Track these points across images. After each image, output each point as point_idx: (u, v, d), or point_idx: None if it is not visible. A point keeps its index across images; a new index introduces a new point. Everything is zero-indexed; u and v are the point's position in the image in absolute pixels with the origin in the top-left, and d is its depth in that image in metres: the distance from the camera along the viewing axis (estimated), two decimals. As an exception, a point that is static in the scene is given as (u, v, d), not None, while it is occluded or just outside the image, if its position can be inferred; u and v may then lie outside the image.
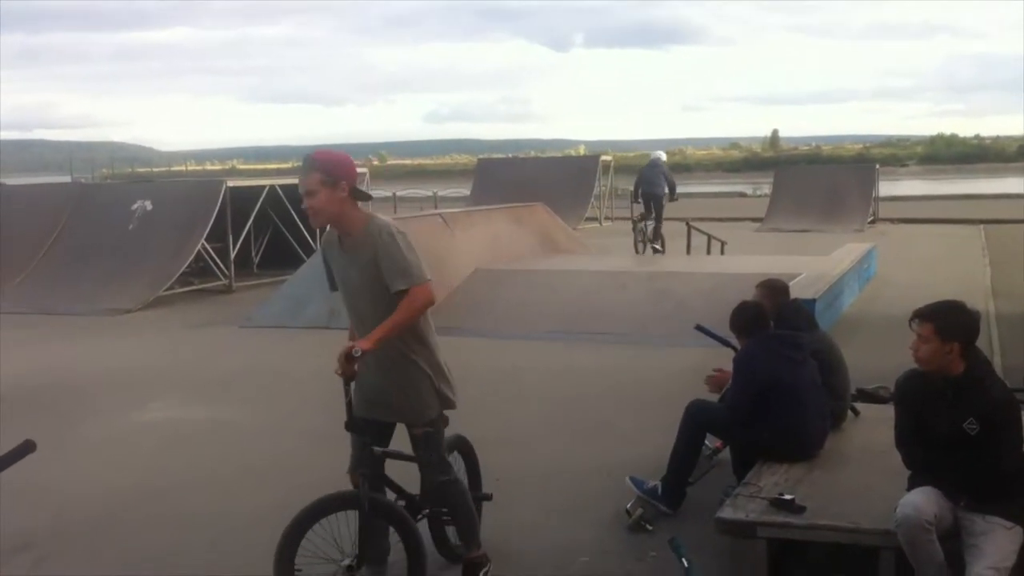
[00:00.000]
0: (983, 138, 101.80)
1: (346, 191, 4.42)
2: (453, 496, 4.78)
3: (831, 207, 26.29)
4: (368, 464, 4.52)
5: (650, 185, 19.11)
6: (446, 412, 4.81)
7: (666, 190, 19.08)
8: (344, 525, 4.46)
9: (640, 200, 19.14)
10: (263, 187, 17.96)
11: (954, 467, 4.33)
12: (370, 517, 4.39)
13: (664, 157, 20.41)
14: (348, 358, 4.24)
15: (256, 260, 19.29)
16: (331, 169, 4.43)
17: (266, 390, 9.15)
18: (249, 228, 17.93)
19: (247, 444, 7.60)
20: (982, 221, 25.64)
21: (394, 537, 4.62)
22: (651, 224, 18.75)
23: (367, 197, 4.63)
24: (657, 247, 18.65)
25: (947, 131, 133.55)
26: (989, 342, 10.30)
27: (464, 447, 5.49)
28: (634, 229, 18.57)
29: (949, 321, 4.39)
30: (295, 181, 5.01)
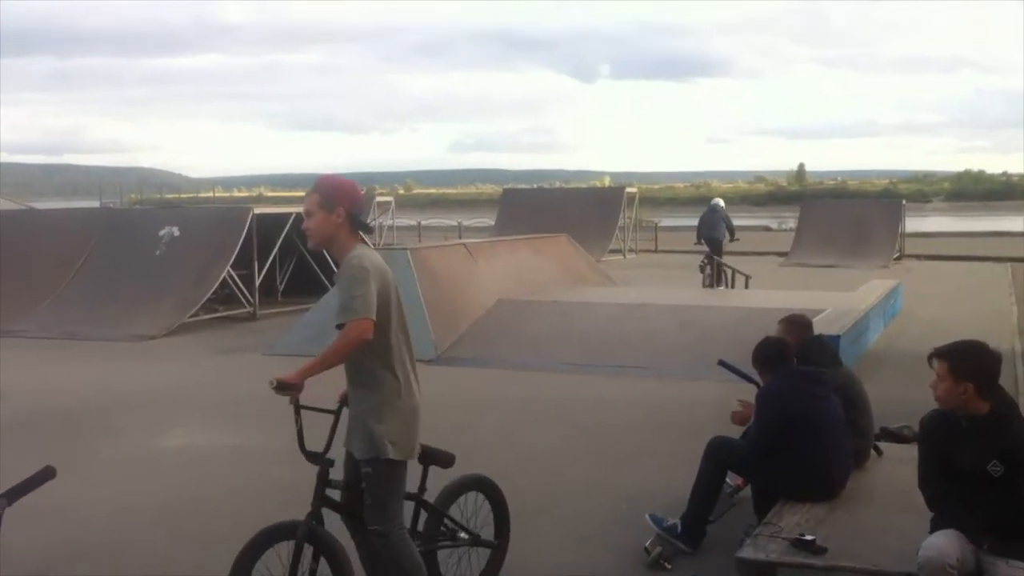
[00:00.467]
0: (1011, 175, 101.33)
1: (342, 217, 4.41)
2: (383, 549, 4.42)
3: (857, 242, 26.23)
4: (319, 494, 4.49)
5: (711, 229, 20.35)
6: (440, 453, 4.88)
7: (725, 233, 20.37)
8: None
9: (702, 242, 20.40)
10: (289, 214, 18.06)
11: (978, 509, 4.28)
12: (300, 547, 4.35)
13: (723, 203, 21.98)
14: (276, 388, 4.26)
15: (281, 288, 19.40)
16: (330, 193, 4.46)
17: (287, 417, 9.11)
18: (275, 256, 18.04)
19: (268, 469, 7.60)
20: (1009, 259, 25.47)
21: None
22: (715, 263, 19.41)
23: (368, 229, 4.59)
24: (722, 287, 19.02)
25: (974, 167, 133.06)
26: (1015, 381, 10.20)
27: (489, 490, 5.31)
28: (702, 271, 19.34)
29: (964, 361, 4.36)
30: None
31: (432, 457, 4.84)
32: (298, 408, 4.47)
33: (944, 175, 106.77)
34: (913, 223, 33.66)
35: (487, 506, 5.29)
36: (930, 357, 4.47)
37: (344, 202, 4.44)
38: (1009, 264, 24.55)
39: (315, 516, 4.45)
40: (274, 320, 16.29)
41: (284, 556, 4.38)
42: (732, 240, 20.75)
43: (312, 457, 4.52)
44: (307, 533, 4.38)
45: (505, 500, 5.34)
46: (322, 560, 4.41)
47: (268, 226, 17.46)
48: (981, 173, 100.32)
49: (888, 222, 27.43)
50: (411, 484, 4.65)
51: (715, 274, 19.06)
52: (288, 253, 19.10)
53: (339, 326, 4.29)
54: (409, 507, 4.73)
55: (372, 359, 4.37)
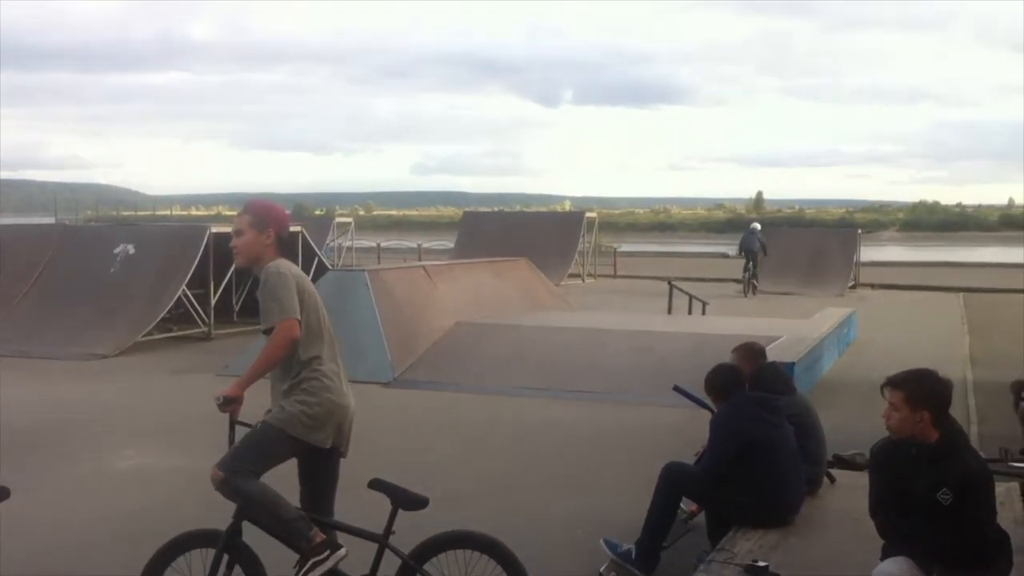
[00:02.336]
0: (965, 206, 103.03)
1: (271, 238, 4.73)
2: (219, 488, 4.56)
3: (813, 270, 26.51)
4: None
5: (749, 244, 26.26)
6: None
7: (760, 248, 26.11)
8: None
9: (743, 255, 26.65)
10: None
11: (927, 537, 4.31)
12: (220, 555, 4.50)
13: (759, 227, 27.99)
14: (221, 405, 4.53)
15: (237, 308, 19.21)
16: (262, 215, 4.77)
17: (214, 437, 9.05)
18: (231, 275, 17.89)
19: (203, 488, 7.49)
20: (962, 289, 25.85)
21: None
22: (751, 274, 25.75)
23: (285, 251, 4.83)
24: (755, 283, 25.66)
25: (931, 198, 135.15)
26: (967, 410, 10.33)
27: (493, 551, 4.59)
28: (743, 280, 25.71)
29: (919, 389, 4.40)
30: None
31: (400, 496, 4.53)
32: (233, 423, 4.63)
33: (901, 205, 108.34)
34: (868, 252, 34.09)
35: (488, 568, 4.57)
36: (883, 386, 4.51)
37: (274, 224, 4.77)
38: (961, 294, 24.91)
39: (235, 527, 4.56)
40: (229, 340, 16.14)
41: (194, 564, 4.53)
42: (765, 255, 26.19)
43: None
44: (227, 542, 4.50)
45: (520, 565, 4.55)
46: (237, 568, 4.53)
47: (225, 245, 17.21)
48: (936, 204, 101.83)
49: (844, 251, 27.74)
50: (377, 525, 4.54)
51: (747, 282, 25.43)
52: (245, 273, 18.87)
53: (266, 332, 4.59)
54: (371, 551, 4.54)
55: (298, 360, 4.58)
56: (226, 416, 4.62)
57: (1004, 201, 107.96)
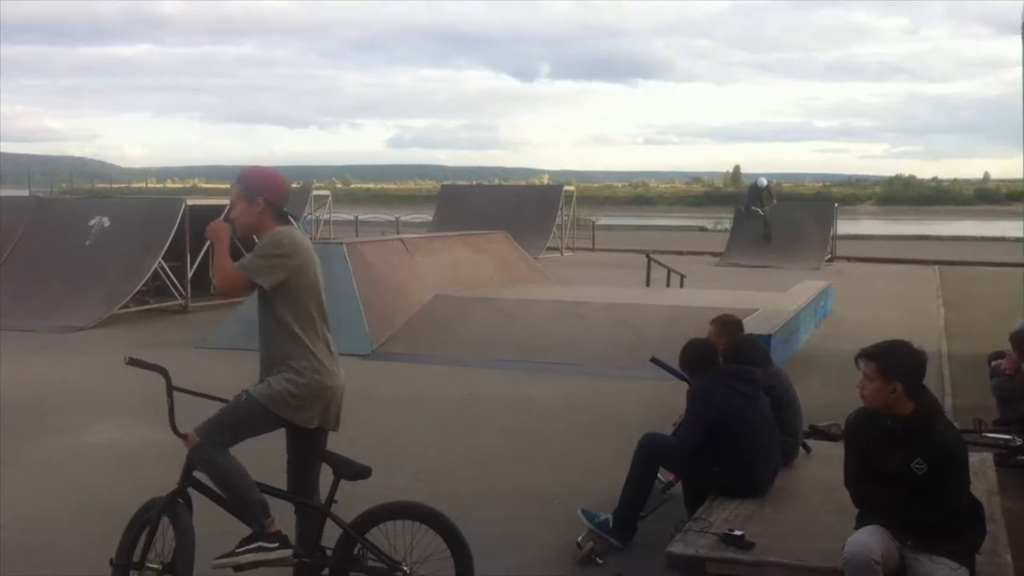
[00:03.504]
0: (941, 180, 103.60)
1: (261, 206, 4.66)
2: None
3: (790, 244, 26.57)
4: (185, 474, 4.69)
5: (751, 198, 28.23)
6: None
7: (767, 193, 28.32)
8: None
9: (747, 210, 28.08)
10: (223, 206, 17.74)
11: (901, 506, 4.36)
12: (156, 522, 4.59)
13: (766, 182, 29.23)
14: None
15: (213, 280, 19.13)
16: (249, 184, 4.73)
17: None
18: (208, 248, 17.78)
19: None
20: (937, 262, 26.03)
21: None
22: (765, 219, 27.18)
23: (285, 218, 4.75)
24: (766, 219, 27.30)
25: (905, 172, 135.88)
26: (941, 382, 10.43)
27: (434, 522, 4.59)
28: (763, 223, 27.20)
29: (892, 361, 4.44)
30: None
31: (342, 467, 4.61)
32: (170, 389, 4.66)
33: (876, 179, 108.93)
34: (845, 226, 34.23)
35: (435, 542, 4.58)
36: (857, 358, 4.54)
37: (263, 191, 4.69)
38: (937, 267, 25.07)
39: (180, 494, 4.64)
40: (206, 313, 16.05)
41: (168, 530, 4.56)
42: (773, 200, 28.46)
43: (180, 435, 4.64)
44: (164, 509, 4.57)
45: (460, 534, 4.58)
46: None
47: (201, 218, 17.08)
48: (911, 178, 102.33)
49: (821, 225, 27.80)
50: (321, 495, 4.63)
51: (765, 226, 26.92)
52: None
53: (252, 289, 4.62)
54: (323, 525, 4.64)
55: (286, 335, 4.53)
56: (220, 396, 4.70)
57: (978, 175, 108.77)
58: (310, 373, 4.53)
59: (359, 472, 4.60)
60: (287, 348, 4.54)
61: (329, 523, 4.64)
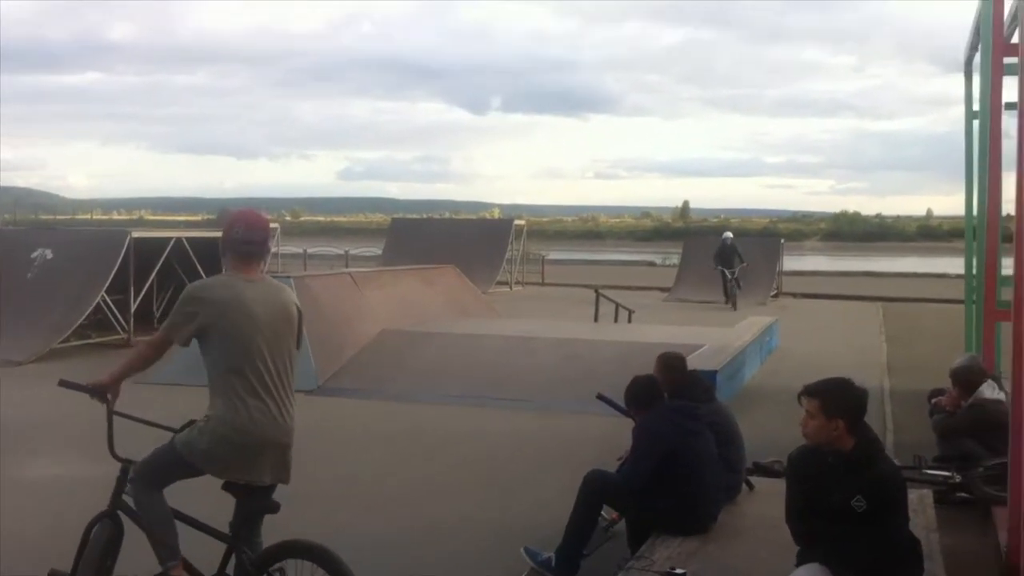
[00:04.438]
0: (885, 217, 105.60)
1: (226, 258, 4.72)
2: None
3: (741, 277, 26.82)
4: (115, 495, 4.78)
5: (726, 255, 25.34)
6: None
7: (737, 258, 25.33)
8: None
9: (719, 268, 25.30)
10: (169, 239, 17.66)
11: (842, 543, 4.39)
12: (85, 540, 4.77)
13: (732, 235, 27.09)
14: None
15: (157, 314, 18.87)
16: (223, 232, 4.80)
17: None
18: (152, 281, 17.58)
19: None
20: (881, 299, 26.43)
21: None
22: (733, 285, 24.84)
23: (242, 258, 4.66)
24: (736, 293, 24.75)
25: (851, 208, 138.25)
26: (883, 418, 10.55)
27: (328, 563, 4.40)
28: (727, 291, 24.76)
29: (835, 398, 4.49)
30: (203, 234, 5.22)
31: (250, 497, 4.56)
32: (110, 414, 4.73)
33: (822, 215, 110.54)
34: (791, 262, 34.68)
35: None
36: (800, 395, 4.59)
37: (222, 237, 4.74)
38: (880, 304, 25.46)
39: (109, 515, 4.73)
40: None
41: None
42: (743, 263, 25.31)
43: (119, 459, 4.72)
44: (89, 528, 4.74)
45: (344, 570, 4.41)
46: None
47: (146, 250, 17.01)
48: (856, 215, 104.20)
49: (767, 260, 28.14)
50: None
51: (731, 294, 24.54)
52: (167, 279, 18.60)
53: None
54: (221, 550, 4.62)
55: (210, 382, 4.52)
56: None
57: (922, 212, 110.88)
58: (224, 426, 4.42)
59: (264, 506, 4.61)
60: (210, 395, 4.51)
61: None
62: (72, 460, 8.88)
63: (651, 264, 46.14)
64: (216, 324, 4.43)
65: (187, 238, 17.69)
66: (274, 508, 4.56)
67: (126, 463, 4.70)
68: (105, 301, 16.13)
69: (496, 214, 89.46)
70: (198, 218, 75.21)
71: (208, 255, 16.44)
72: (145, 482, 4.56)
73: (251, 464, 4.48)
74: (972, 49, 11.75)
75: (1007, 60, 9.11)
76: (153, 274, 17.40)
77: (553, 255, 41.22)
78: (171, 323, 4.55)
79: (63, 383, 4.74)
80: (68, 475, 8.41)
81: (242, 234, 4.62)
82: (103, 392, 4.70)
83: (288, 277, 14.57)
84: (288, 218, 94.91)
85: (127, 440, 4.73)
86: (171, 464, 4.56)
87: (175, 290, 18.89)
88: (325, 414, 10.62)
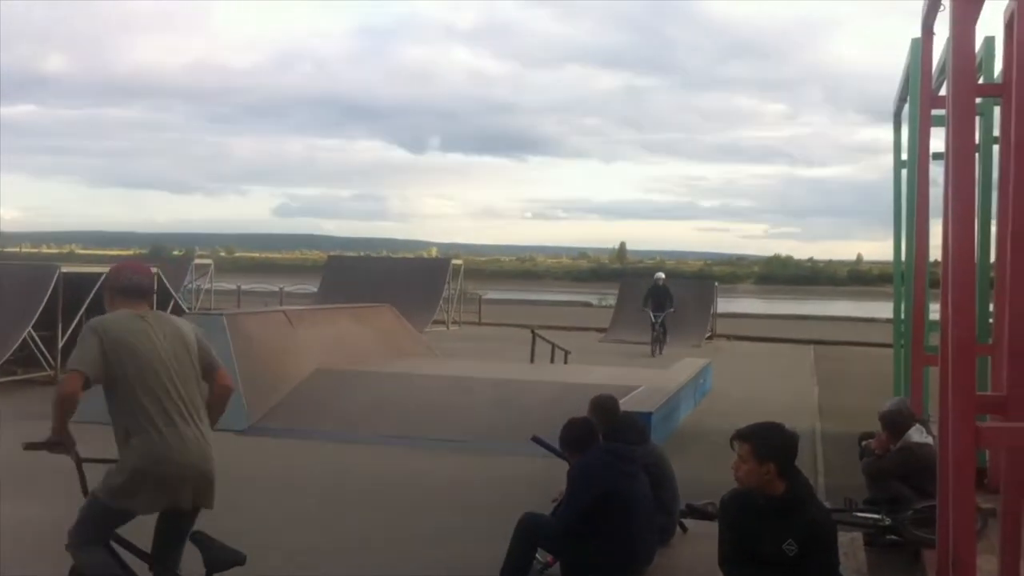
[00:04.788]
0: (817, 261, 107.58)
1: (111, 298, 4.99)
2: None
3: (672, 321, 27.05)
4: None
5: (659, 297, 24.19)
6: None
7: (669, 301, 24.14)
8: None
9: (649, 309, 24.09)
10: (100, 274, 17.31)
11: (774, 587, 4.41)
12: None
13: (664, 276, 26.14)
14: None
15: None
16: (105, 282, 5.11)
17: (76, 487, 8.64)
18: (81, 316, 17.20)
19: (56, 542, 7.14)
20: (813, 342, 26.81)
21: None
22: (660, 331, 23.53)
23: (132, 297, 5.00)
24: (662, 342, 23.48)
25: (783, 252, 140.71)
26: (814, 461, 10.65)
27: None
28: (653, 337, 23.33)
29: (766, 442, 4.53)
30: None
31: (212, 553, 4.54)
32: (78, 463, 4.79)
33: (756, 259, 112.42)
34: (725, 304, 35.07)
35: None
36: (732, 439, 4.62)
37: (108, 287, 5.02)
38: (812, 346, 25.83)
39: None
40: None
41: None
42: (672, 309, 24.10)
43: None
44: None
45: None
46: None
47: (76, 285, 16.66)
48: (789, 258, 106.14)
49: (701, 302, 28.44)
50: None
51: (656, 340, 23.15)
52: (97, 314, 18.21)
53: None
54: None
55: (113, 410, 4.61)
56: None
57: (852, 256, 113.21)
58: (131, 458, 4.50)
59: (232, 559, 4.52)
60: (119, 433, 4.57)
61: None
62: (5, 500, 8.62)
63: (588, 305, 46.39)
64: (118, 353, 4.57)
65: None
66: (241, 559, 4.56)
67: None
68: (32, 337, 15.76)
69: (434, 253, 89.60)
70: (130, 252, 74.02)
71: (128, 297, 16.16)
72: (81, 542, 4.56)
73: (174, 492, 4.53)
74: (901, 100, 12.06)
75: (935, 112, 9.34)
76: (83, 309, 17.03)
77: (490, 295, 41.24)
78: (78, 356, 4.59)
79: (28, 446, 4.81)
80: (3, 515, 8.15)
81: (131, 278, 5.01)
82: (64, 444, 4.71)
83: (220, 314, 14.39)
84: (223, 254, 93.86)
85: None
86: (99, 516, 4.56)
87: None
88: (254, 455, 10.45)
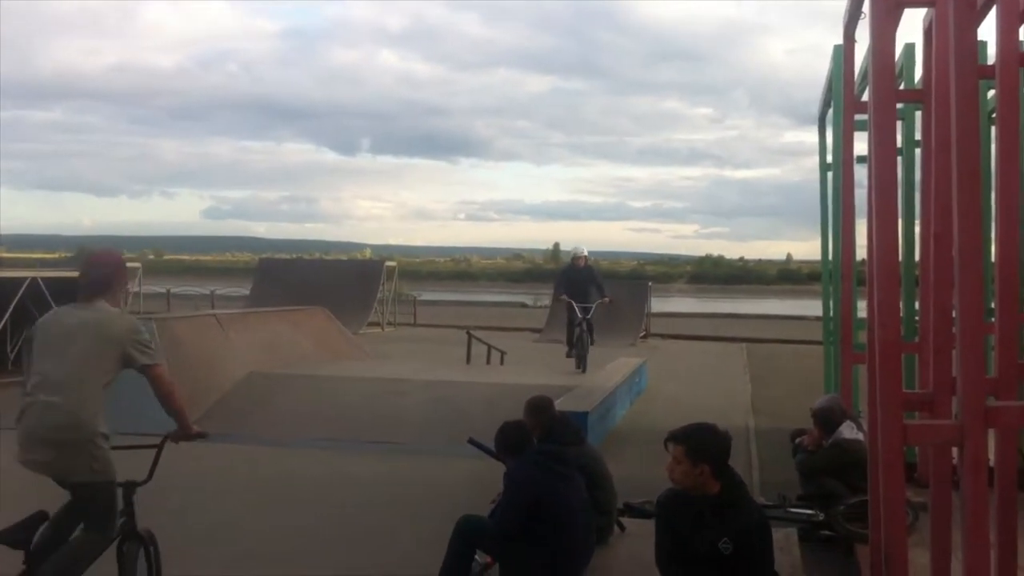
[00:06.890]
0: (747, 260, 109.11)
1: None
2: None
3: (606, 321, 27.17)
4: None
5: (578, 281, 17.10)
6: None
7: (596, 290, 17.20)
8: None
9: (565, 298, 17.00)
10: (24, 279, 16.93)
11: (710, 586, 4.45)
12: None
13: (586, 251, 17.82)
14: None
15: (12, 356, 18.03)
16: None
17: (29, 501, 8.45)
18: (6, 322, 16.80)
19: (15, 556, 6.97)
20: (745, 340, 27.17)
21: None
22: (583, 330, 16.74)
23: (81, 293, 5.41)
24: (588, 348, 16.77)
25: (715, 252, 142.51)
26: (748, 458, 10.78)
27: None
28: (576, 342, 16.91)
29: (699, 444, 4.58)
30: (60, 274, 5.57)
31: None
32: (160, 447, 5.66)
33: (687, 258, 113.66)
34: (659, 303, 35.36)
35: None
36: (666, 441, 4.66)
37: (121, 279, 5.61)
38: (744, 344, 26.16)
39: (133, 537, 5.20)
40: (1, 391, 15.09)
41: None
42: (607, 301, 17.30)
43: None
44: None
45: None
46: None
47: (0, 290, 16.28)
48: (720, 258, 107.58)
49: (636, 302, 28.63)
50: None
51: (579, 341, 16.56)
52: (23, 319, 17.80)
53: None
54: None
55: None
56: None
57: (782, 256, 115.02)
58: (27, 419, 5.07)
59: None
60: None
61: None
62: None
63: (523, 305, 46.46)
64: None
65: (43, 278, 16.98)
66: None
67: (129, 485, 5.27)
68: (-47, 343, 15.35)
69: (367, 255, 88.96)
70: (55, 256, 72.38)
71: (65, 294, 15.82)
72: None
73: (58, 459, 5.03)
74: (825, 105, 12.25)
75: (858, 116, 9.50)
76: (7, 315, 16.64)
77: (425, 296, 41.15)
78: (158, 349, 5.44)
79: (179, 438, 5.75)
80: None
81: (83, 275, 5.44)
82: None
83: (149, 318, 14.13)
84: (151, 256, 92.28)
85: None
86: None
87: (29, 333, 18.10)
88: (187, 460, 10.27)
